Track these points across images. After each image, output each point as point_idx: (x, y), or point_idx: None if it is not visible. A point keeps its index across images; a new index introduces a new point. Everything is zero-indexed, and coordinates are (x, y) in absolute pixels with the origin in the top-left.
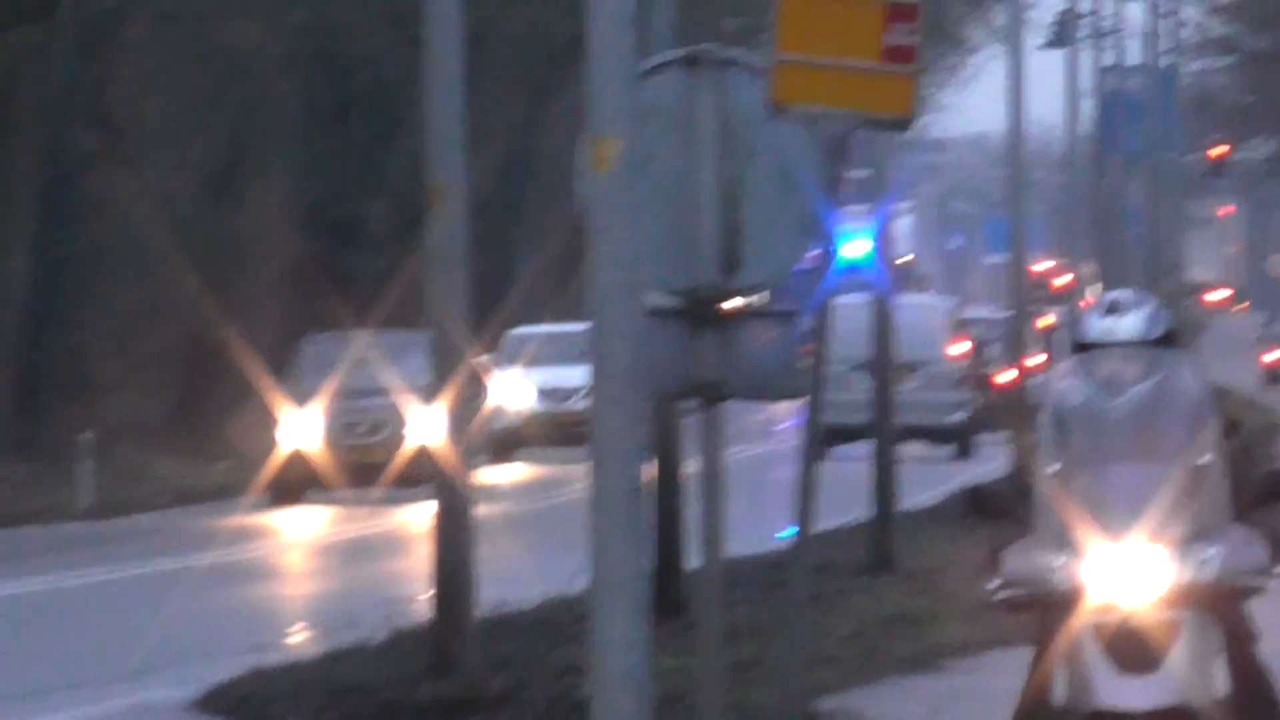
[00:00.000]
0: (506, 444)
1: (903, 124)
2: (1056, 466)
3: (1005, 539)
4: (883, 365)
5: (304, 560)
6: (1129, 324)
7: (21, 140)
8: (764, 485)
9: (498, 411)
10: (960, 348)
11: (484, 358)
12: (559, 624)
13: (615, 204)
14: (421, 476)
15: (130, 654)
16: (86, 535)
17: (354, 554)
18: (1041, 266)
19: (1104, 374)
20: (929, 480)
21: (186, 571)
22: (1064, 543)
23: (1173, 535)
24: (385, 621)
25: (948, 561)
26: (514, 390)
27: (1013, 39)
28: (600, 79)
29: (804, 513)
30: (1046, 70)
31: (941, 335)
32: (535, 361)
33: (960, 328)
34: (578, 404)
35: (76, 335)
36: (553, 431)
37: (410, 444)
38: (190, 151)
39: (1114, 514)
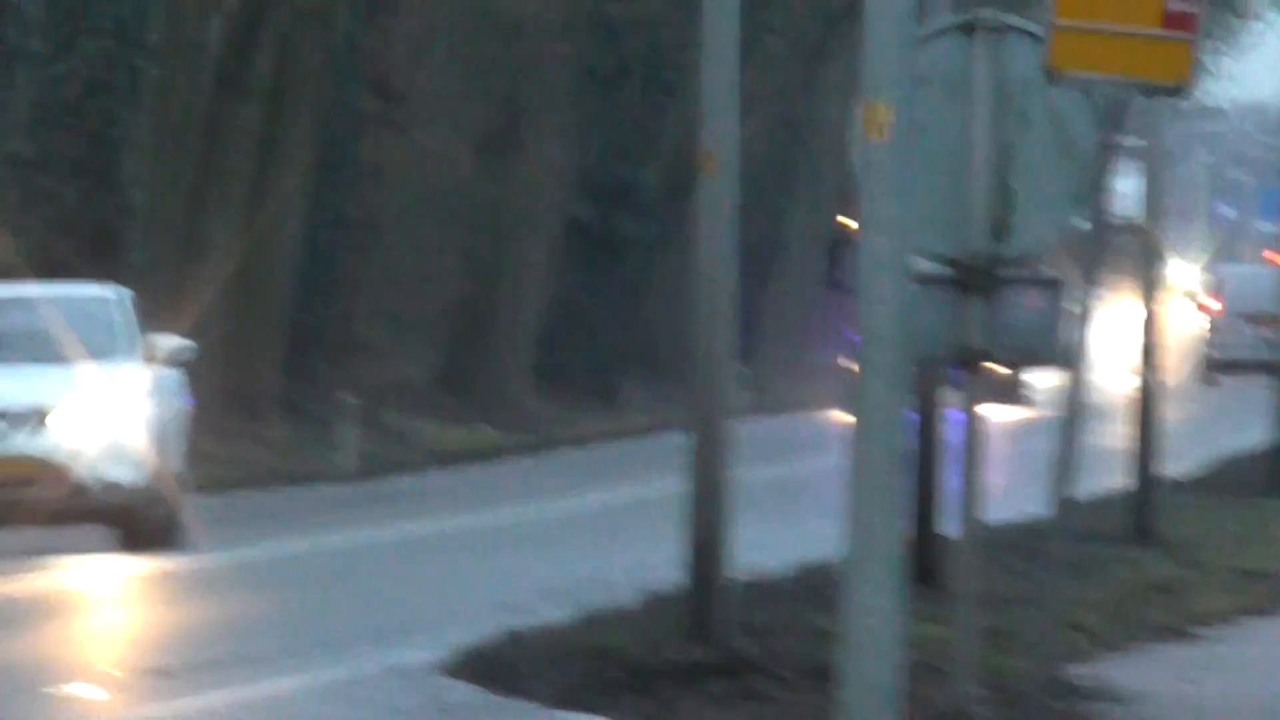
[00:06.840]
0: None
1: (1180, 91)
2: None
3: None
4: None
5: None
6: None
7: (301, 104)
8: (1022, 453)
9: None
10: None
11: None
12: (813, 590)
13: (887, 170)
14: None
15: (383, 616)
16: (349, 497)
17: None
18: None
19: None
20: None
21: (441, 535)
22: None
23: None
24: (637, 587)
25: (1209, 532)
26: None
27: None
28: (876, 44)
29: (1065, 479)
30: None
31: None
32: None
33: None
34: (29, 441)
35: (346, 299)
36: None
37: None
38: (465, 116)
39: None
